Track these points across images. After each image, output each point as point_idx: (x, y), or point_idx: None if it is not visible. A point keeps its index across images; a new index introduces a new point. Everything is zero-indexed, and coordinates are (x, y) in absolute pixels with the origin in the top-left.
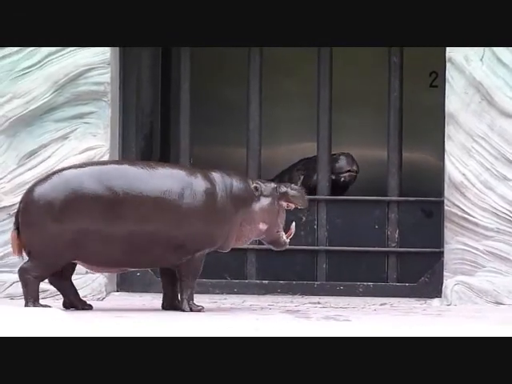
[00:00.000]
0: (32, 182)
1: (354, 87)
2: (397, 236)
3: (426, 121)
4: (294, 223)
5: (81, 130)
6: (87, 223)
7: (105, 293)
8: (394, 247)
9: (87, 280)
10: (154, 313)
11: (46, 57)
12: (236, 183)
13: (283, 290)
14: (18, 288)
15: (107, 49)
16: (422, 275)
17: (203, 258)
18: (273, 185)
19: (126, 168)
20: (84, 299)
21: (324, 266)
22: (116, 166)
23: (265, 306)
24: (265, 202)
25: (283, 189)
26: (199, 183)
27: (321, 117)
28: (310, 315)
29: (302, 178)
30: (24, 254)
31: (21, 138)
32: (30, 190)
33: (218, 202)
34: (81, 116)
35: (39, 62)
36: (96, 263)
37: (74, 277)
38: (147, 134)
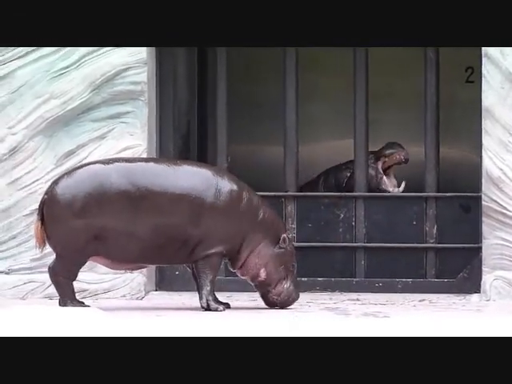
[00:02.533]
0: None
1: (391, 83)
2: (435, 232)
3: (463, 116)
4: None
5: (118, 129)
6: (110, 219)
7: (144, 292)
8: (433, 243)
9: (126, 279)
10: (192, 312)
11: (83, 57)
12: (266, 210)
13: (322, 287)
14: None
15: (143, 48)
16: (460, 271)
17: (221, 259)
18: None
19: (151, 165)
20: (123, 298)
21: (362, 262)
22: (141, 163)
23: (304, 304)
24: (282, 255)
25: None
26: (225, 184)
27: (357, 114)
28: (349, 312)
29: (348, 176)
30: (44, 246)
31: (58, 138)
32: (56, 183)
33: (241, 208)
34: (118, 116)
35: (76, 62)
36: (116, 259)
37: (112, 276)
38: (184, 132)
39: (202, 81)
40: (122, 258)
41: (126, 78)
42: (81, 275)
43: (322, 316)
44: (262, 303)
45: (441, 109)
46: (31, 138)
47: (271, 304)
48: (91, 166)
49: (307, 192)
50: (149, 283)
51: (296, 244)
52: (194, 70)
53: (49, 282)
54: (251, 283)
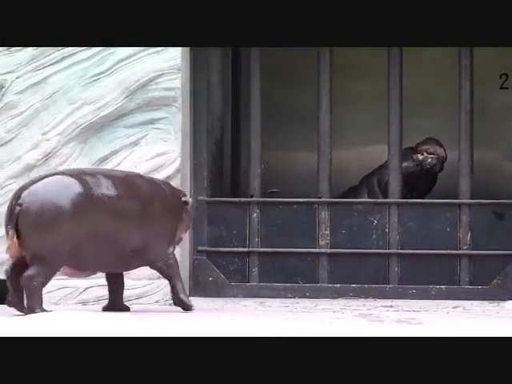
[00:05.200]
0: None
1: (425, 89)
2: (469, 238)
3: (497, 122)
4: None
5: (152, 135)
6: (88, 227)
7: None
8: (466, 250)
9: (160, 285)
10: (227, 314)
11: (117, 63)
12: (170, 190)
13: (355, 293)
14: (91, 293)
15: (177, 54)
16: (494, 277)
17: None
18: (191, 200)
19: (110, 176)
20: (156, 304)
21: (396, 269)
22: (103, 174)
23: (337, 310)
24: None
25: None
26: (165, 191)
27: (391, 120)
28: (383, 318)
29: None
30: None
31: (92, 144)
32: (30, 193)
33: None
34: (152, 122)
35: (110, 68)
36: (77, 267)
37: (145, 282)
38: (218, 138)
39: (236, 86)
40: (89, 267)
41: (160, 84)
42: None
43: (356, 322)
44: (295, 309)
45: (475, 115)
46: (65, 144)
47: None
48: (61, 176)
49: (350, 198)
50: None
51: (329, 250)
52: (227, 76)
53: (83, 287)
54: None
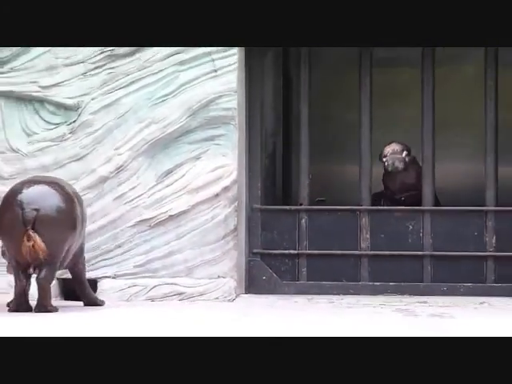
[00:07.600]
0: (170, 197)
1: (456, 109)
2: (494, 242)
3: None
4: None
5: (212, 150)
6: (77, 233)
7: (234, 295)
8: (492, 252)
9: (218, 284)
10: (278, 310)
11: (180, 86)
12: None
13: (393, 290)
14: (159, 291)
15: (234, 78)
16: None
17: None
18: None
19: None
20: (216, 301)
21: (429, 268)
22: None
23: (377, 305)
24: None
25: None
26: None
27: (425, 138)
28: (418, 313)
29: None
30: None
31: (158, 158)
32: (43, 198)
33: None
34: (212, 138)
35: (174, 90)
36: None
37: (206, 281)
38: (271, 152)
39: (287, 106)
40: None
41: (219, 104)
42: (178, 280)
43: (393, 316)
44: (340, 305)
45: (500, 131)
46: (135, 158)
47: None
48: (45, 185)
49: (375, 199)
50: (239, 287)
51: (370, 252)
52: (279, 97)
53: (151, 285)
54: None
